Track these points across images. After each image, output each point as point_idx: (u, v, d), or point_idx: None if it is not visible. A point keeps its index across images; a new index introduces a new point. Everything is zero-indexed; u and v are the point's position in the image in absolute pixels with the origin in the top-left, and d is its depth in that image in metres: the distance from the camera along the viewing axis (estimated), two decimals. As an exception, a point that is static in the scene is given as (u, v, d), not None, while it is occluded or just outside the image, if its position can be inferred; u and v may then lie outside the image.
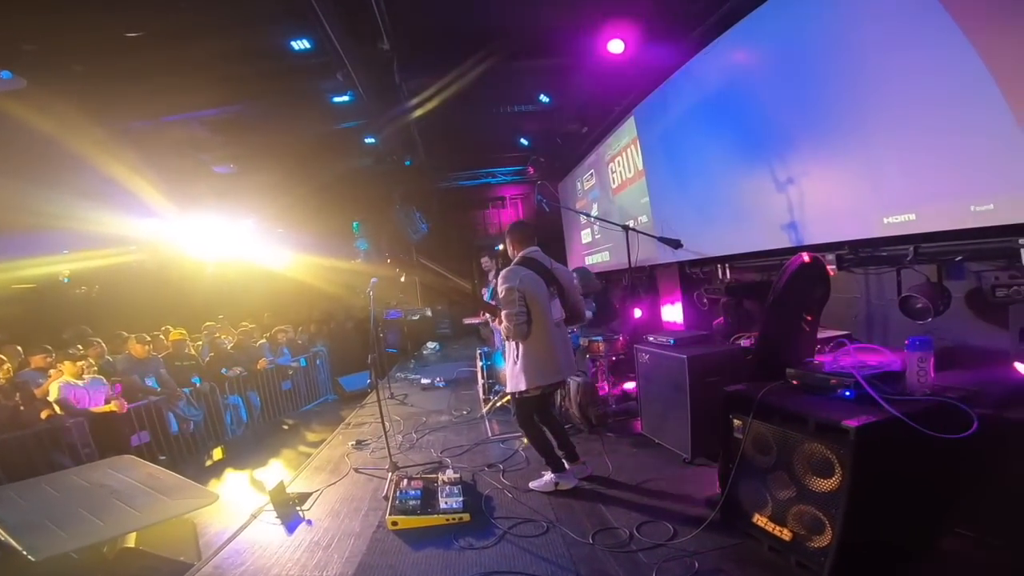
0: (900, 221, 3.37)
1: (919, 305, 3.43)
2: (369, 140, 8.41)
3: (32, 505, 2.84)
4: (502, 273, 3.48)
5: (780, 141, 4.32)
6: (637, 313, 5.83)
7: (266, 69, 5.82)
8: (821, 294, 3.35)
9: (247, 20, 5.00)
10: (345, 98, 6.55)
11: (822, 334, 3.67)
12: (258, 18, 5.01)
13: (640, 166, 6.91)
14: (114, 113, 6.03)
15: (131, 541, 2.96)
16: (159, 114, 6.59)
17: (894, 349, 3.09)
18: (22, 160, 6.26)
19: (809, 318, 3.42)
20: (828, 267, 4.11)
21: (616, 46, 5.01)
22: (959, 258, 3.22)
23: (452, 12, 5.54)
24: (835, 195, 3.92)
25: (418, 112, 7.11)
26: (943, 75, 2.89)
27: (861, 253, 3.89)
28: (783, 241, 4.48)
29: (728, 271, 5.73)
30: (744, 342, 4.17)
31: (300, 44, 5.32)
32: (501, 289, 3.38)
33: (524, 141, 10.05)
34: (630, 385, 5.11)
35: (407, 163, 10.10)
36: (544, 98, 7.19)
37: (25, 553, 2.28)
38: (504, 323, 3.41)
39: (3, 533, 2.45)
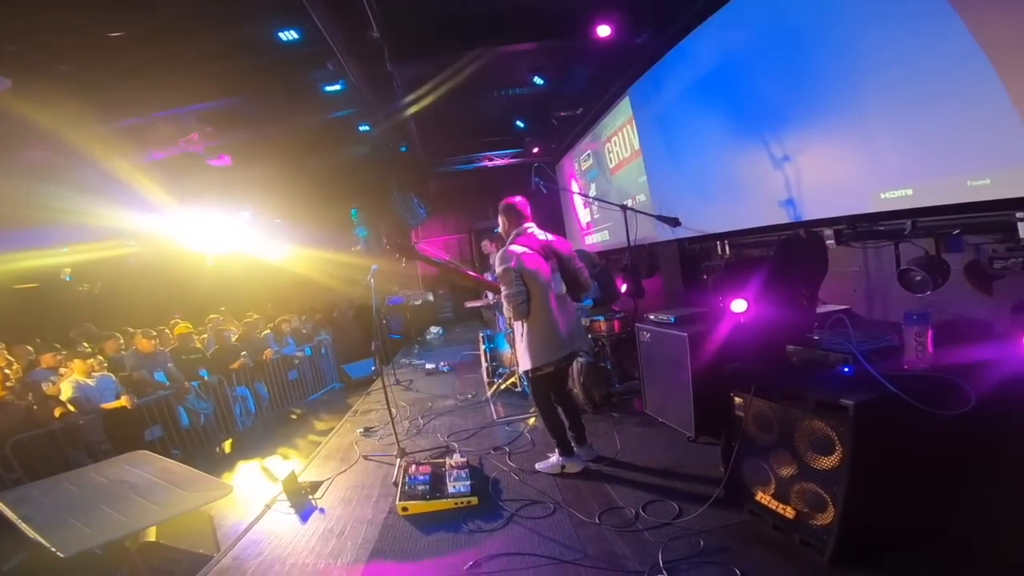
0: (897, 196, 3.37)
1: (918, 278, 3.45)
2: (363, 128, 8.35)
3: (56, 503, 2.89)
4: (498, 255, 3.50)
5: (775, 118, 4.29)
6: (623, 287, 5.88)
7: (256, 62, 5.75)
8: (819, 269, 3.38)
9: (233, 14, 4.94)
10: (337, 87, 6.47)
11: (821, 309, 3.69)
12: (244, 11, 4.94)
13: (636, 146, 6.87)
14: (105, 111, 5.97)
15: (152, 535, 3.04)
16: (151, 110, 6.54)
17: (894, 323, 3.13)
18: (20, 155, 6.23)
19: (807, 293, 3.45)
20: (827, 242, 4.15)
21: (604, 29, 4.95)
22: (957, 231, 3.23)
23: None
24: (831, 171, 3.90)
25: (413, 108, 7.08)
26: (936, 51, 2.86)
27: (859, 228, 3.89)
28: (781, 217, 4.47)
29: (728, 247, 5.74)
30: (743, 318, 4.20)
31: (288, 35, 5.26)
32: (498, 271, 3.42)
33: (520, 123, 9.96)
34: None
35: (402, 149, 10.01)
36: (538, 80, 7.10)
37: (54, 550, 2.33)
38: (504, 304, 3.45)
39: (31, 531, 2.50)
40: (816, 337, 2.90)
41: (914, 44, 3.00)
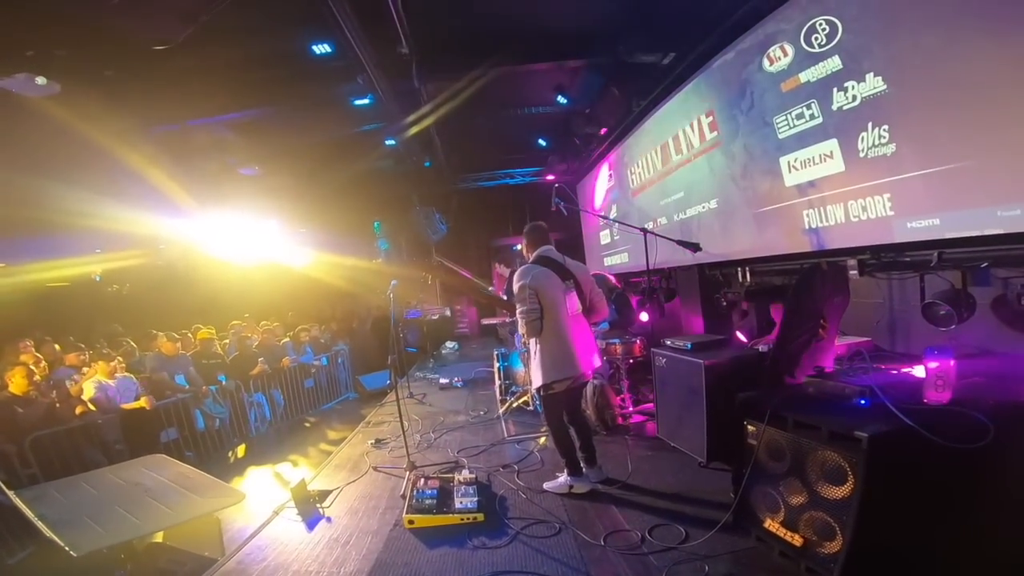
0: (924, 226, 3.31)
1: (942, 312, 3.37)
2: (389, 142, 8.52)
3: (72, 503, 2.95)
4: (516, 272, 3.60)
5: (799, 144, 4.27)
6: (644, 317, 5.81)
7: (288, 73, 5.95)
8: (840, 301, 3.31)
9: (269, 26, 5.12)
10: (365, 101, 6.63)
11: (843, 341, 3.63)
12: (280, 24, 5.12)
13: (659, 168, 6.87)
14: (142, 117, 6.19)
15: (158, 536, 3.06)
16: (186, 118, 6.75)
17: (916, 356, 3.05)
18: (56, 161, 6.46)
19: (827, 325, 3.38)
20: (850, 272, 4.07)
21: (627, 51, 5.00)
22: (984, 264, 3.16)
23: (468, 16, 5.60)
24: (857, 199, 3.86)
25: (434, 121, 7.21)
26: (967, 77, 2.84)
27: (884, 258, 3.82)
28: (804, 245, 4.43)
29: (748, 274, 5.67)
30: (762, 347, 4.14)
31: (321, 48, 5.43)
32: (515, 287, 3.50)
33: (542, 142, 10.07)
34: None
35: (426, 164, 10.18)
36: (562, 99, 7.19)
37: (67, 548, 2.38)
38: (519, 321, 3.49)
39: (46, 529, 2.55)
40: (834, 369, 2.86)
41: (946, 69, 2.96)
